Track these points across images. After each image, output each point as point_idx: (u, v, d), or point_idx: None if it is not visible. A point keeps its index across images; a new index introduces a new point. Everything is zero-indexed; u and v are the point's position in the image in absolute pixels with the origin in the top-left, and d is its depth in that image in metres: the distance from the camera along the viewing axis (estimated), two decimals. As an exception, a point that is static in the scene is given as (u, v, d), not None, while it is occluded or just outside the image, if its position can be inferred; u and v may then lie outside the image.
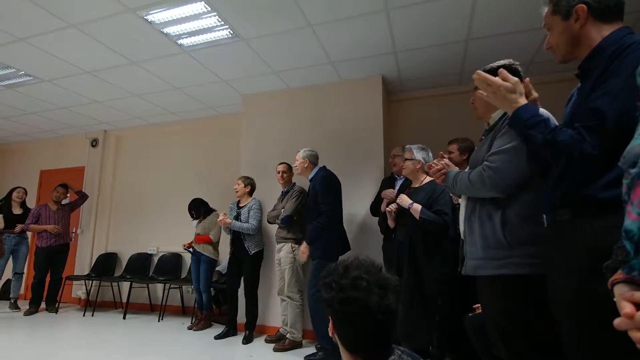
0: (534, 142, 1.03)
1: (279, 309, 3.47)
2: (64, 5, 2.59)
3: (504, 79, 1.12)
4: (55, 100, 4.35)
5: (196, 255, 3.95)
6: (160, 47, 3.15)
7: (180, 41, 3.06)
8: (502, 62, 1.45)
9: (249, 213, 3.50)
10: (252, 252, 3.44)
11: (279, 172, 3.42)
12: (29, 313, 4.39)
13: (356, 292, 0.84)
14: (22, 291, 5.49)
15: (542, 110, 1.12)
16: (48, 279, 4.60)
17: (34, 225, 4.50)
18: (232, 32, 2.91)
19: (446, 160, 1.63)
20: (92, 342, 3.32)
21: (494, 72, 1.45)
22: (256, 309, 3.48)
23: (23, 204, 4.69)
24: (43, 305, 4.60)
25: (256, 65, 3.46)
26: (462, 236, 1.52)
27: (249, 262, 3.46)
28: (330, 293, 0.87)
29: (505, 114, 1.41)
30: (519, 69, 1.43)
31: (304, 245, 2.96)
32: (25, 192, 4.76)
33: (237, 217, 3.53)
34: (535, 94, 1.16)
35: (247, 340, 3.32)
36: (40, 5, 2.58)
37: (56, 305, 4.59)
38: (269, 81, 3.81)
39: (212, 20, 2.78)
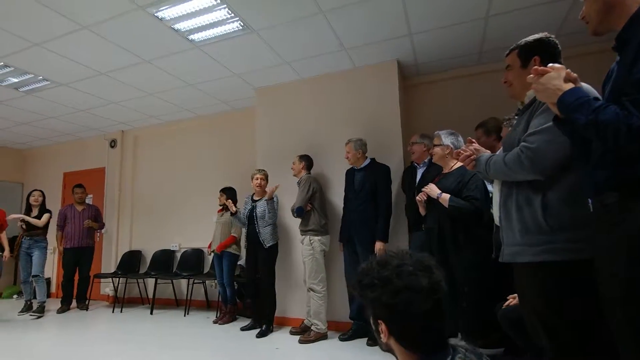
0: (578, 125, 0.96)
1: (298, 300, 3.48)
2: (75, 6, 2.59)
3: (545, 72, 1.05)
4: (73, 103, 4.42)
5: (217, 255, 4.00)
6: (172, 44, 3.13)
7: (191, 37, 3.03)
8: (538, 35, 1.36)
9: (264, 206, 3.49)
10: (267, 245, 3.44)
11: (294, 163, 3.44)
12: (61, 311, 4.56)
13: (404, 279, 0.79)
14: (53, 290, 5.73)
15: (585, 86, 1.04)
16: (77, 278, 4.74)
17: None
18: (242, 23, 2.86)
19: (476, 145, 1.55)
20: (123, 338, 3.41)
21: (530, 46, 1.38)
22: (274, 303, 3.49)
23: (42, 206, 4.68)
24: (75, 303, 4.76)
25: (268, 56, 3.40)
26: (497, 222, 1.45)
27: (264, 255, 3.47)
28: (376, 291, 0.81)
29: None
30: (557, 42, 1.34)
31: (381, 244, 2.94)
32: (42, 194, 4.72)
33: (252, 211, 3.53)
34: (573, 75, 1.07)
35: (262, 334, 3.29)
36: (51, 7, 2.59)
37: (86, 303, 4.74)
38: (281, 72, 3.75)
39: (222, 13, 2.73)
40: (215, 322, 3.87)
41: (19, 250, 4.56)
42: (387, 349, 0.88)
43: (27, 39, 2.98)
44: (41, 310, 4.39)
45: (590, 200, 1.05)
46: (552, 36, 1.36)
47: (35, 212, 4.63)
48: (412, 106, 3.92)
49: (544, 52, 1.36)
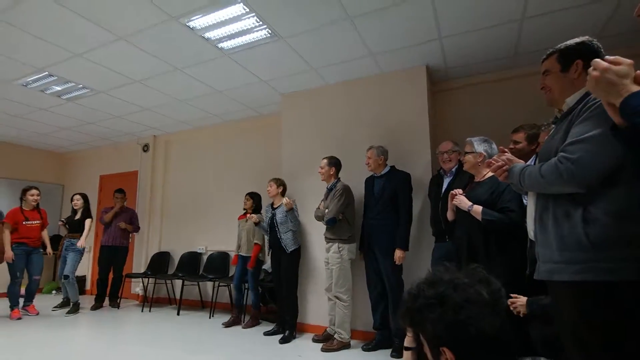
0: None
1: (318, 307, 3.45)
2: (112, 18, 2.71)
3: (616, 62, 0.96)
4: (109, 110, 4.63)
5: (242, 258, 4.05)
6: (202, 52, 3.22)
7: (220, 45, 3.10)
8: (579, 39, 1.27)
9: (285, 213, 3.50)
10: (289, 250, 3.46)
11: (322, 168, 3.39)
12: (94, 308, 4.78)
13: (463, 292, 0.70)
14: (87, 287, 5.99)
15: None
16: (112, 276, 4.96)
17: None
18: (270, 31, 2.89)
19: (508, 155, 1.46)
20: (150, 338, 3.51)
21: (571, 49, 1.30)
22: (296, 308, 3.49)
23: (84, 210, 4.85)
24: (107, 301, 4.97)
25: (295, 63, 3.42)
26: (531, 237, 1.36)
27: (286, 260, 3.48)
28: (436, 310, 0.71)
29: (582, 98, 1.23)
30: (600, 46, 1.25)
31: (401, 252, 2.92)
32: (82, 198, 4.88)
33: (273, 218, 3.55)
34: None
35: (284, 340, 3.29)
36: (91, 20, 2.72)
37: (118, 301, 4.93)
38: (308, 78, 3.76)
39: (251, 21, 2.77)
40: (226, 326, 3.86)
41: (62, 250, 4.81)
42: None
43: (69, 49, 3.16)
44: (76, 310, 4.53)
45: None
46: (595, 40, 1.27)
47: (78, 214, 4.82)
48: (441, 112, 3.81)
49: (587, 56, 1.26)
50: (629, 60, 0.95)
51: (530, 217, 1.36)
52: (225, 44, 3.09)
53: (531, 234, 1.36)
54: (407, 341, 0.88)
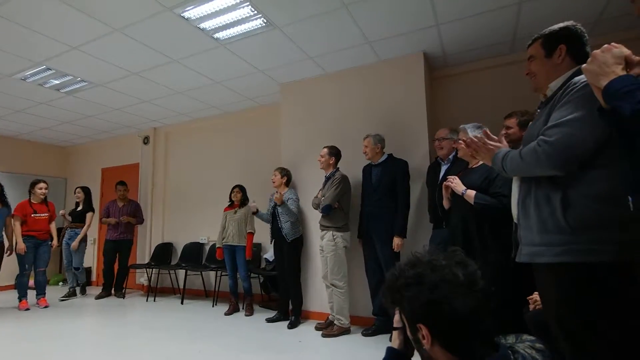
0: (621, 114, 0.89)
1: (321, 294, 3.51)
2: (107, 10, 2.71)
3: (611, 48, 0.98)
4: (108, 103, 4.65)
5: (229, 248, 4.12)
6: (198, 43, 3.21)
7: (216, 35, 3.09)
8: (563, 24, 1.28)
9: (287, 202, 3.54)
10: (290, 239, 3.51)
11: (322, 157, 3.41)
12: (99, 297, 4.93)
13: (439, 273, 0.73)
14: (93, 278, 6.12)
15: None
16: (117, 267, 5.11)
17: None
18: (265, 20, 2.88)
19: (478, 137, 1.46)
20: (155, 326, 3.59)
21: (555, 34, 1.30)
22: (300, 295, 3.56)
23: (85, 202, 5.11)
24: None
25: (291, 52, 3.41)
26: (515, 220, 1.38)
27: (288, 249, 3.54)
28: (411, 289, 0.75)
29: (565, 82, 1.24)
30: (584, 31, 1.26)
31: (399, 239, 2.96)
32: (83, 191, 5.14)
33: (275, 208, 3.59)
34: (636, 58, 0.97)
35: (292, 325, 3.41)
36: (86, 12, 2.72)
37: (123, 291, 5.04)
38: (305, 68, 3.75)
39: (246, 10, 2.76)
40: (227, 314, 3.96)
41: (62, 241, 4.95)
42: (430, 357, 0.78)
43: (66, 42, 3.16)
44: (83, 291, 5.10)
45: (630, 199, 0.97)
46: (579, 24, 1.28)
47: (80, 206, 5.08)
48: (439, 99, 3.80)
49: (571, 40, 1.27)
50: (620, 47, 0.97)
51: (514, 201, 1.38)
52: (221, 34, 3.08)
53: (515, 217, 1.38)
54: (395, 321, 0.92)
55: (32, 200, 4.47)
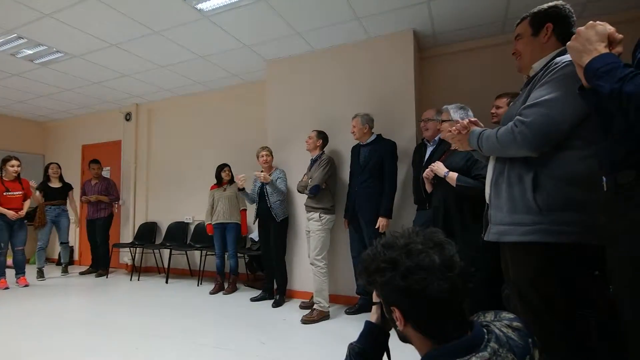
0: (602, 94, 0.87)
1: (306, 274, 3.53)
2: (81, -26, 2.54)
3: (594, 25, 0.96)
4: (87, 76, 4.45)
5: (220, 226, 4.08)
6: (180, 14, 3.06)
7: (199, 6, 2.94)
8: (552, 3, 1.27)
9: (276, 182, 3.52)
10: (280, 219, 3.50)
11: (310, 138, 3.38)
12: (83, 273, 5.08)
13: (414, 259, 0.72)
14: (76, 257, 6.03)
15: None
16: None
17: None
18: (250, -9, 2.75)
19: (462, 122, 1.44)
20: (140, 304, 3.57)
21: (543, 13, 1.28)
22: (285, 274, 3.59)
23: (61, 178, 5.00)
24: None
25: (278, 26, 3.29)
26: (487, 200, 1.38)
27: (276, 229, 3.53)
28: (386, 274, 0.74)
29: (547, 63, 1.22)
30: (572, 11, 1.25)
31: (385, 220, 2.95)
32: (59, 167, 5.02)
33: (263, 187, 3.54)
34: (618, 36, 0.95)
35: (277, 303, 3.44)
36: (58, -24, 2.55)
37: (101, 270, 5.04)
38: (292, 43, 3.63)
39: (229, -21, 2.63)
40: (211, 293, 3.95)
41: (46, 219, 4.77)
42: (404, 339, 0.80)
43: (37, 9, 2.97)
44: (66, 271, 5.12)
45: (604, 179, 0.97)
46: (567, 4, 1.26)
47: (55, 183, 4.94)
48: (429, 79, 3.75)
49: (558, 20, 1.25)
50: (609, 27, 0.94)
51: (488, 181, 1.38)
52: (204, 5, 2.94)
53: (487, 197, 1.38)
54: (374, 296, 0.91)
55: (4, 178, 4.30)
